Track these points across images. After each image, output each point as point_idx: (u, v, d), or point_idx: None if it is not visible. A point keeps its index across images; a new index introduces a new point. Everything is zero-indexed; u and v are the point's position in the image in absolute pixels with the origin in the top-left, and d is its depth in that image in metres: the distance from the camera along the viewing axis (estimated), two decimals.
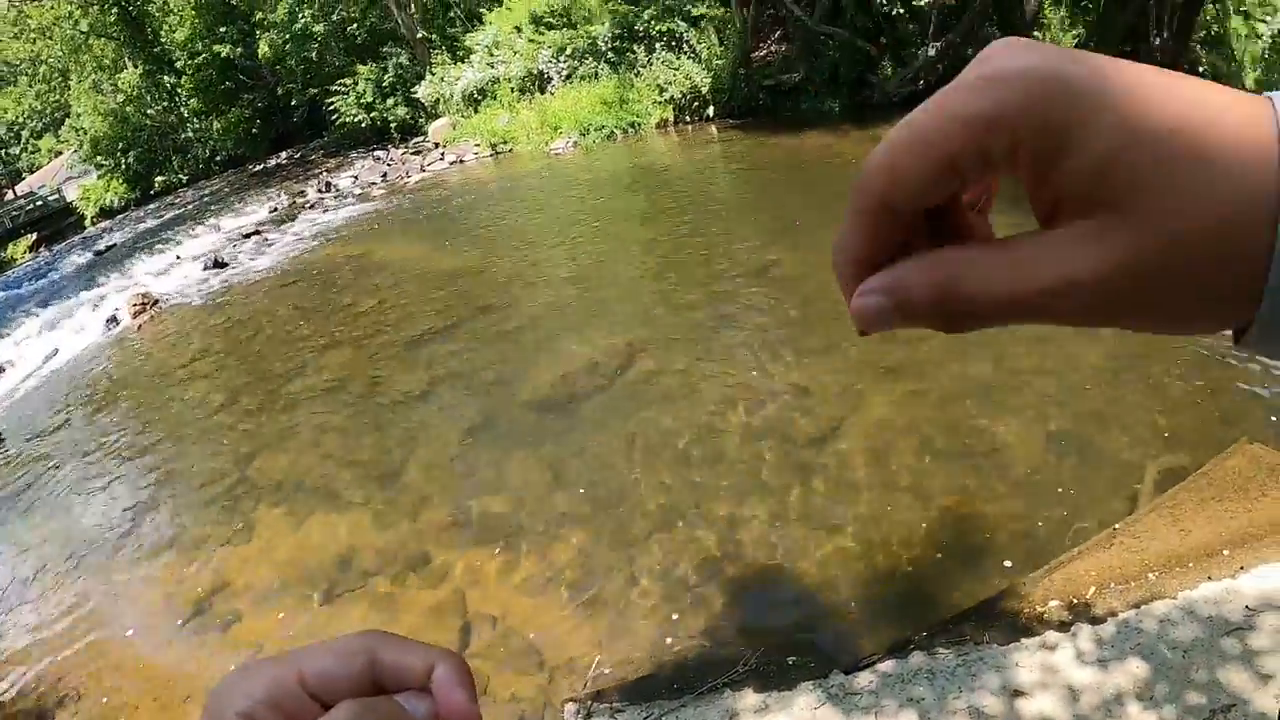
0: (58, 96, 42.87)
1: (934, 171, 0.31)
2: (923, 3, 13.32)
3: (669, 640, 3.74)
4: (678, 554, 4.25)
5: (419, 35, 22.87)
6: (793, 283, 7.45)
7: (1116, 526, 3.71)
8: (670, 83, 16.90)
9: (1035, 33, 14.48)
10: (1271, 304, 0.29)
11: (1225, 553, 3.38)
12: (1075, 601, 3.35)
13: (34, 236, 34.27)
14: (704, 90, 16.56)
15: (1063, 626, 3.22)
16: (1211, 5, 12.84)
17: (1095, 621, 3.19)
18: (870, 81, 15.08)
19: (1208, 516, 3.62)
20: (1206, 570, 3.31)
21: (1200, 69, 13.00)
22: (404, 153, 21.13)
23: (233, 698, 0.37)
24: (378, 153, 21.92)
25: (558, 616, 4.03)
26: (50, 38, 31.38)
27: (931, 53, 14.02)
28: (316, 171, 21.82)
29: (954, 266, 0.32)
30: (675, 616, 3.87)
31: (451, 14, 23.61)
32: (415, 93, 21.78)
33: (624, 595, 4.04)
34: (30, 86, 46.13)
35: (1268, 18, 12.53)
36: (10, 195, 41.52)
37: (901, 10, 13.94)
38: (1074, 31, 14.59)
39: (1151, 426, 4.53)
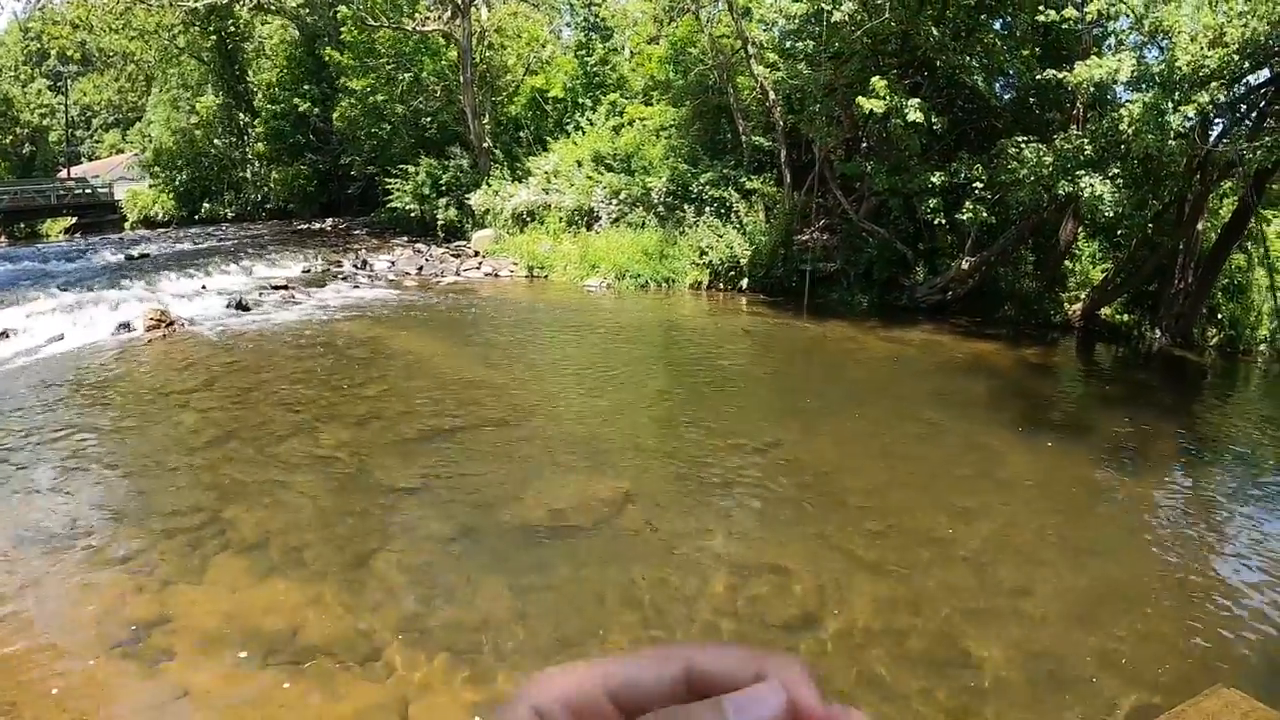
0: (136, 98, 44.56)
1: None
2: (964, 217, 13.97)
3: None
4: None
5: (485, 145, 23.96)
6: (793, 464, 7.59)
7: None
8: (712, 247, 17.62)
9: (1066, 262, 15.14)
10: None
11: None
12: None
13: (73, 220, 34.88)
14: (742, 261, 17.22)
15: None
16: (1238, 255, 13.53)
17: None
18: (901, 284, 15.80)
19: None
20: None
21: (1219, 314, 13.70)
22: (443, 252, 21.79)
23: (534, 693, 0.40)
24: (419, 245, 22.59)
25: None
26: (147, 42, 32.66)
27: (965, 265, 14.66)
28: (356, 246, 22.42)
29: None
30: None
31: (521, 134, 24.87)
32: (468, 199, 22.69)
33: None
34: (115, 81, 47.99)
35: None
36: (64, 174, 42.51)
37: (943, 221, 14.61)
38: (1103, 265, 15.22)
39: (1128, 660, 4.59)
